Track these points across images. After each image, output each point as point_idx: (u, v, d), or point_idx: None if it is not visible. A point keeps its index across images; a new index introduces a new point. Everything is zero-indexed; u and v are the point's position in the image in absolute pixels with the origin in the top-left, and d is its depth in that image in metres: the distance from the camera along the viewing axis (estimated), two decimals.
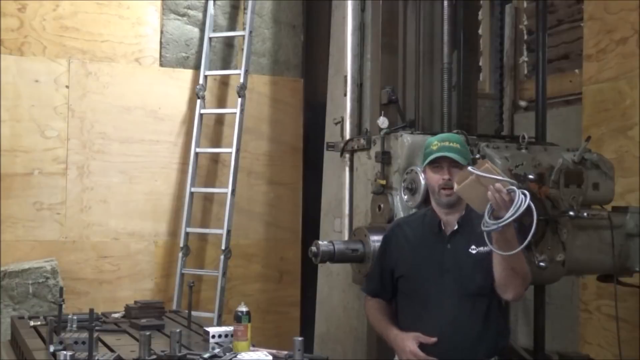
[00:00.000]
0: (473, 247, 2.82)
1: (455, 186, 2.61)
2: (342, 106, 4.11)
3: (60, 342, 3.06)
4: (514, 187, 2.49)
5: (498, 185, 2.50)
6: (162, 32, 5.33)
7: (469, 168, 2.56)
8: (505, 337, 2.94)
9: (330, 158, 4.70)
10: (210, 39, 5.42)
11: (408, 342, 2.83)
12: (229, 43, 5.56)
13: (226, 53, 5.55)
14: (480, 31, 5.64)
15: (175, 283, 5.17)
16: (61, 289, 3.79)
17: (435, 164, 2.85)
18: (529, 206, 2.46)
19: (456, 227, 2.87)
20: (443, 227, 2.90)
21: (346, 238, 3.83)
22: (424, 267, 2.88)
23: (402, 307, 2.98)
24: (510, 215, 2.46)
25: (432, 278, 2.84)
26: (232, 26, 5.57)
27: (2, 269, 4.64)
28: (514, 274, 2.72)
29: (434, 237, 2.91)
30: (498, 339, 2.86)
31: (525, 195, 2.47)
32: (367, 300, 3.12)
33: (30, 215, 4.90)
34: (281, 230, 5.67)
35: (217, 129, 5.47)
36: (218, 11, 5.51)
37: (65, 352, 2.66)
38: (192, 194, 5.25)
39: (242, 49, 5.40)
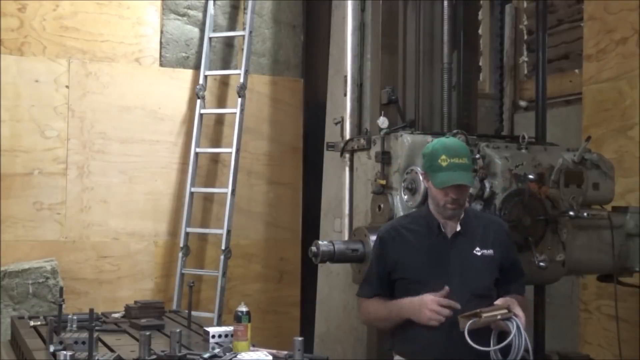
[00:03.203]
0: (477, 249, 2.86)
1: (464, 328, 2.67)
2: (342, 106, 4.10)
3: (60, 342, 3.06)
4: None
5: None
6: (162, 32, 5.33)
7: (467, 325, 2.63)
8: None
9: (330, 158, 4.70)
10: (210, 39, 5.42)
11: (425, 297, 2.75)
12: (229, 43, 5.56)
13: (226, 53, 5.55)
14: (480, 31, 5.63)
15: (175, 283, 5.17)
16: (61, 289, 3.79)
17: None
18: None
19: (459, 228, 2.88)
20: (443, 229, 2.90)
21: (346, 238, 3.82)
22: (429, 269, 2.87)
23: None
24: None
25: (438, 280, 2.83)
26: (232, 26, 5.57)
27: (2, 269, 4.64)
28: None
29: (435, 239, 2.90)
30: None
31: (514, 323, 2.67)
32: (363, 302, 3.06)
33: (30, 215, 4.90)
34: (281, 230, 5.67)
35: (217, 129, 5.47)
36: (218, 11, 5.51)
37: (65, 352, 2.66)
38: (192, 194, 5.25)
39: (242, 49, 5.40)
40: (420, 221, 2.97)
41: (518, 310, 2.66)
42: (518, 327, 2.63)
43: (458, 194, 2.81)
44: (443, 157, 2.81)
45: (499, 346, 2.64)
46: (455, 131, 3.49)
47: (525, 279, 3.05)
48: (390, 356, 3.01)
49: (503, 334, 2.67)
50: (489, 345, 2.65)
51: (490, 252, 2.86)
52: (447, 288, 2.74)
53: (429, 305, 2.73)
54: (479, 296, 2.77)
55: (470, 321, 2.61)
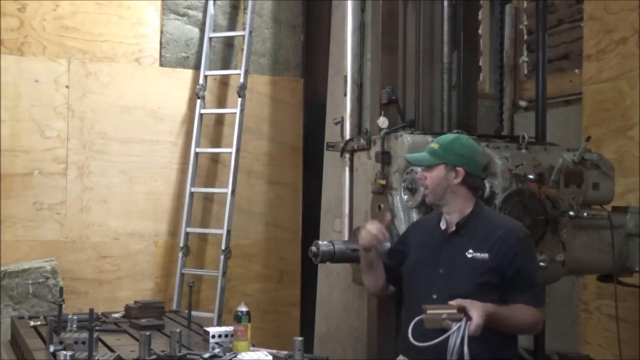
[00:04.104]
0: (470, 251, 2.81)
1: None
2: (342, 106, 4.10)
3: (60, 342, 3.06)
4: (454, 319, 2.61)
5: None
6: (162, 32, 5.33)
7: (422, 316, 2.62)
8: (507, 344, 2.88)
9: (330, 158, 4.69)
10: (210, 39, 5.41)
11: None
12: (229, 43, 5.56)
13: (226, 53, 5.55)
14: (480, 31, 5.64)
15: (175, 283, 5.17)
16: (61, 289, 3.79)
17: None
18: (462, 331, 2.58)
19: (454, 228, 2.88)
20: (444, 227, 2.91)
21: (346, 238, 3.83)
22: (423, 264, 2.91)
23: (404, 302, 3.03)
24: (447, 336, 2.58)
25: (428, 276, 2.87)
26: (232, 26, 5.57)
27: (2, 269, 4.64)
28: (523, 330, 2.93)
29: (437, 236, 2.94)
30: (493, 346, 2.78)
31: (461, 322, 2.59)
32: None
33: (30, 215, 4.89)
34: (281, 230, 5.67)
35: (217, 129, 5.47)
36: (218, 11, 5.51)
37: (65, 352, 2.66)
38: (192, 194, 5.25)
39: (242, 49, 5.40)
40: (435, 219, 3.03)
41: (474, 314, 2.55)
42: (458, 329, 2.53)
43: (421, 173, 2.98)
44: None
45: (430, 343, 2.54)
46: (455, 131, 3.50)
47: (538, 289, 2.88)
48: (391, 356, 3.02)
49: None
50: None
51: (484, 256, 2.78)
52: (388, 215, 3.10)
53: (366, 226, 3.05)
54: (457, 298, 2.67)
55: (417, 318, 2.59)
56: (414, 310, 2.81)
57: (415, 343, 2.57)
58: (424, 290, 2.85)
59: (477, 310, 2.57)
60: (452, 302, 2.60)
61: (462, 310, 2.57)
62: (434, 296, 2.79)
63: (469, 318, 2.56)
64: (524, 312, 2.78)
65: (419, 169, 3.30)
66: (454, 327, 2.54)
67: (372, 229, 3.01)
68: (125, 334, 3.55)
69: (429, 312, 2.58)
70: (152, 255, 5.25)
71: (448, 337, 2.53)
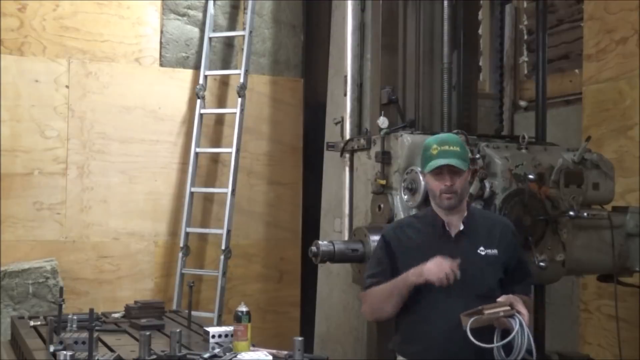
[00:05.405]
0: (482, 248, 2.83)
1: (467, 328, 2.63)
2: (342, 106, 4.10)
3: (60, 342, 3.07)
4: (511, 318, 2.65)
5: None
6: (162, 32, 5.33)
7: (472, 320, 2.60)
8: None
9: (330, 158, 4.70)
10: (210, 39, 5.42)
11: (438, 258, 2.73)
12: (229, 43, 5.56)
13: (226, 53, 5.55)
14: (480, 31, 5.64)
15: (175, 283, 5.17)
16: (61, 289, 3.80)
17: (436, 170, 2.84)
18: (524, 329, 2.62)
19: (462, 227, 2.87)
20: (447, 229, 2.89)
21: (346, 238, 3.82)
22: None
23: (406, 309, 2.90)
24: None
25: None
26: (232, 26, 5.57)
27: (2, 269, 4.64)
28: None
29: (439, 238, 2.88)
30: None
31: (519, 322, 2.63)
32: (367, 293, 2.94)
33: (30, 215, 4.90)
34: (281, 230, 5.67)
35: (217, 129, 5.47)
36: (218, 11, 5.52)
37: (65, 352, 2.66)
38: (192, 194, 5.25)
39: (242, 49, 5.40)
40: (425, 220, 2.96)
41: (521, 308, 2.62)
42: (521, 325, 2.58)
43: (451, 180, 2.81)
44: (434, 146, 2.85)
45: (501, 343, 2.60)
46: (455, 131, 3.50)
47: (532, 280, 3.02)
48: (393, 356, 3.00)
49: (506, 333, 2.63)
50: (491, 344, 2.62)
51: (494, 252, 2.83)
52: (458, 260, 2.72)
53: (444, 264, 2.69)
54: (481, 296, 2.74)
55: (472, 319, 2.58)
56: (427, 313, 2.80)
57: (482, 345, 2.56)
58: (438, 293, 2.77)
59: (520, 303, 2.64)
60: (500, 299, 2.65)
61: (511, 305, 2.63)
62: (452, 298, 2.75)
63: (518, 312, 2.62)
64: (526, 303, 2.81)
65: (418, 169, 3.29)
66: (515, 324, 2.59)
67: (445, 266, 2.71)
68: (125, 334, 3.55)
69: (486, 312, 2.59)
70: (152, 255, 5.25)
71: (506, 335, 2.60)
